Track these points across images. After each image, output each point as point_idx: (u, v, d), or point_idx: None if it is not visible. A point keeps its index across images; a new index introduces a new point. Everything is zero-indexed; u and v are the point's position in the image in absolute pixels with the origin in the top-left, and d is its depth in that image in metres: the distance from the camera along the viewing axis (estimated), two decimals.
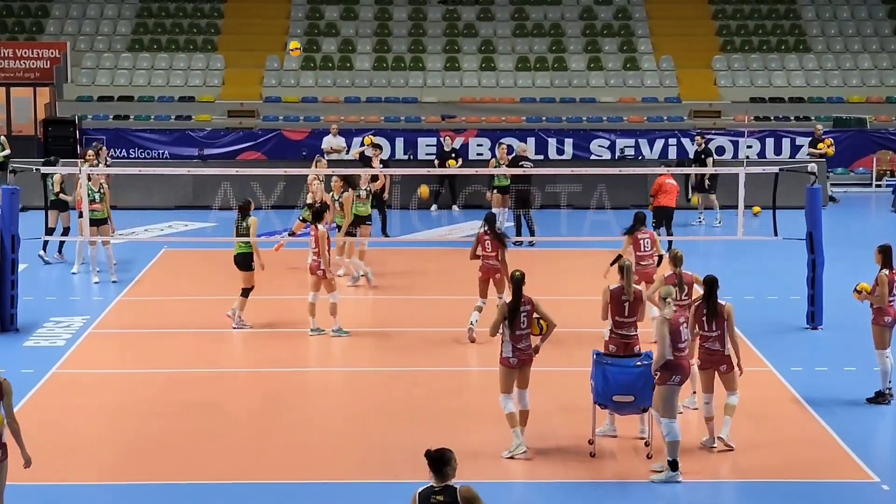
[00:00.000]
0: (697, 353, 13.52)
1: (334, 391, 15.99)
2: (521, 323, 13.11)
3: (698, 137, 29.34)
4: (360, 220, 21.64)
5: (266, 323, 18.90)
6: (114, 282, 21.61)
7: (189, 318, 19.40)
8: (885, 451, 13.58)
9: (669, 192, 24.24)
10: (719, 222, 27.41)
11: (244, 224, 18.50)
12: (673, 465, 12.57)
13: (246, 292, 18.51)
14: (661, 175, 24.35)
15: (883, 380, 15.02)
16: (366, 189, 21.86)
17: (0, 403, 10.28)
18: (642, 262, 17.24)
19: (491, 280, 17.83)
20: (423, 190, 25.34)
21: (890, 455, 13.48)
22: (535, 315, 13.21)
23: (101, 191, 21.85)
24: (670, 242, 23.17)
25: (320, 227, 17.98)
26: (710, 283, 13.50)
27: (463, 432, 13.77)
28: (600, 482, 12.66)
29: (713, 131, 34.18)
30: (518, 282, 13.23)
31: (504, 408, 13.16)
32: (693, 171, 27.83)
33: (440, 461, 8.70)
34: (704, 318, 13.36)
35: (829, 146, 31.12)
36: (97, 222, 21.60)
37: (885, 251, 15.05)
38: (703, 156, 28.26)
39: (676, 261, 14.80)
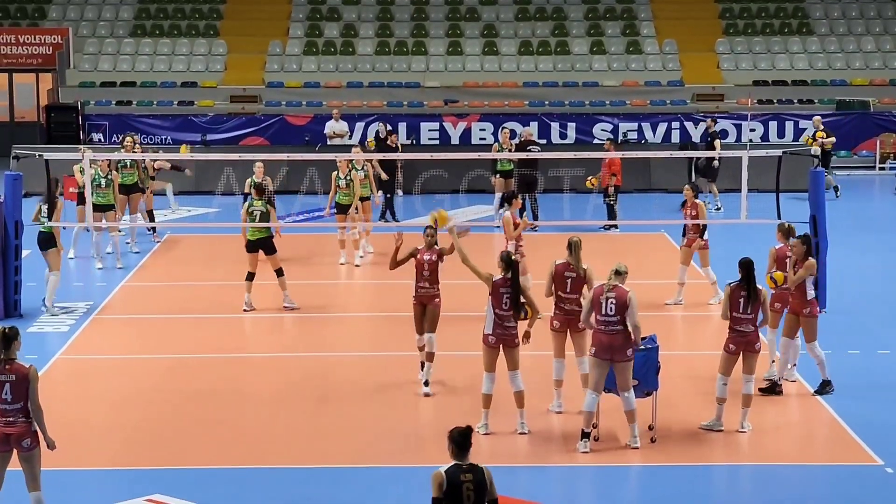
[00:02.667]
0: (728, 337, 13.38)
1: (341, 375, 15.94)
2: (503, 303, 13.21)
3: (709, 121, 29.12)
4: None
5: (266, 307, 18.92)
6: (119, 268, 21.63)
7: (193, 303, 19.40)
8: (889, 435, 13.57)
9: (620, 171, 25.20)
10: (718, 208, 27.31)
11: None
12: (582, 435, 12.85)
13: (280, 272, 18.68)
14: (612, 156, 24.68)
15: (822, 370, 14.89)
16: (359, 171, 22.03)
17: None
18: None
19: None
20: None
21: (894, 438, 13.47)
22: (521, 300, 13.30)
23: (109, 176, 21.82)
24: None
25: (506, 212, 17.92)
26: (748, 266, 13.29)
27: (465, 417, 13.75)
28: (604, 466, 12.69)
29: (716, 115, 34.12)
30: (513, 264, 13.32)
31: (482, 386, 13.38)
32: (700, 154, 27.75)
33: (466, 440, 8.61)
34: (742, 300, 13.24)
35: (826, 137, 29.86)
36: (103, 208, 21.61)
37: (808, 241, 14.74)
38: (710, 139, 28.14)
39: (789, 233, 15.00)
